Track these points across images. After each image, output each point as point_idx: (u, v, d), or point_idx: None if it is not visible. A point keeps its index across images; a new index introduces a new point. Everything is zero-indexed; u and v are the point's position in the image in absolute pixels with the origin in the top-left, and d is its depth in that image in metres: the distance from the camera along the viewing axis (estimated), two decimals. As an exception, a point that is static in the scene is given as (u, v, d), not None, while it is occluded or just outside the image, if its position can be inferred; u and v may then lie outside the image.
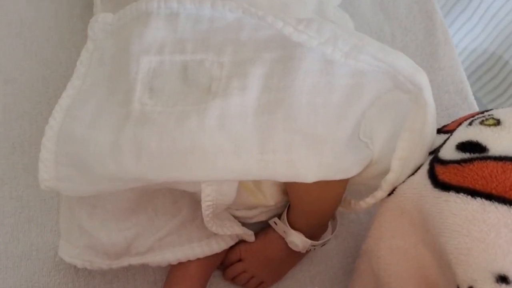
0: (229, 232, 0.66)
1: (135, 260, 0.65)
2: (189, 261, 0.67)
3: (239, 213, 0.69)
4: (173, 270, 0.68)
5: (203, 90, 0.56)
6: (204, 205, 0.60)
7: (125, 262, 0.65)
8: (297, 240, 0.66)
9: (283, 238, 0.68)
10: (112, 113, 0.58)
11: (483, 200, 0.47)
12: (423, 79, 0.55)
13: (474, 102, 0.86)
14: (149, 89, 0.57)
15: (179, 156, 0.53)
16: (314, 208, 0.63)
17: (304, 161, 0.53)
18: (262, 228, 0.72)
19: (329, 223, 0.70)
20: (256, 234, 0.70)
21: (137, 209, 0.64)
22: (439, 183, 0.52)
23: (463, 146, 0.53)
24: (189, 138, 0.53)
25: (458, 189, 0.49)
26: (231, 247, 0.70)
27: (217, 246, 0.68)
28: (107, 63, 0.62)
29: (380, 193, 0.59)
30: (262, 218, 0.70)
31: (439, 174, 0.53)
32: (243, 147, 0.53)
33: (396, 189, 0.59)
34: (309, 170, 0.53)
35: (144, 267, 0.71)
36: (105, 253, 0.64)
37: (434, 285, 0.55)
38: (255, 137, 0.53)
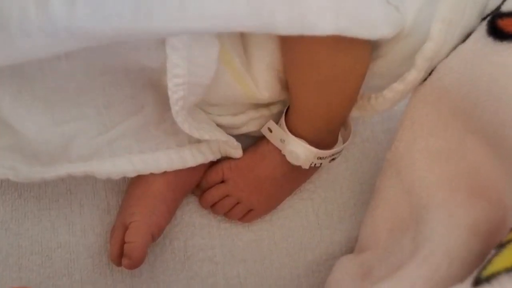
0: (207, 136, 0.51)
1: (76, 167, 0.49)
2: (153, 176, 0.52)
3: (222, 120, 0.55)
4: (131, 188, 0.55)
5: None
6: (171, 83, 0.44)
7: (62, 169, 0.49)
8: (298, 148, 0.52)
9: (279, 152, 0.54)
10: None
11: None
12: None
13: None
14: None
15: None
16: (323, 99, 0.48)
17: (314, 1, 0.37)
18: (252, 145, 0.58)
19: (340, 134, 0.55)
20: (244, 150, 0.57)
21: (79, 98, 0.48)
22: (507, 35, 0.40)
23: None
24: None
25: None
26: (211, 165, 0.56)
27: (191, 158, 0.53)
28: None
29: (414, 74, 0.47)
30: (252, 127, 0.56)
31: (505, 26, 0.41)
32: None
33: (434, 71, 0.46)
34: (320, 15, 0.38)
35: (94, 189, 0.58)
36: (34, 156, 0.49)
37: (492, 190, 0.43)
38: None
